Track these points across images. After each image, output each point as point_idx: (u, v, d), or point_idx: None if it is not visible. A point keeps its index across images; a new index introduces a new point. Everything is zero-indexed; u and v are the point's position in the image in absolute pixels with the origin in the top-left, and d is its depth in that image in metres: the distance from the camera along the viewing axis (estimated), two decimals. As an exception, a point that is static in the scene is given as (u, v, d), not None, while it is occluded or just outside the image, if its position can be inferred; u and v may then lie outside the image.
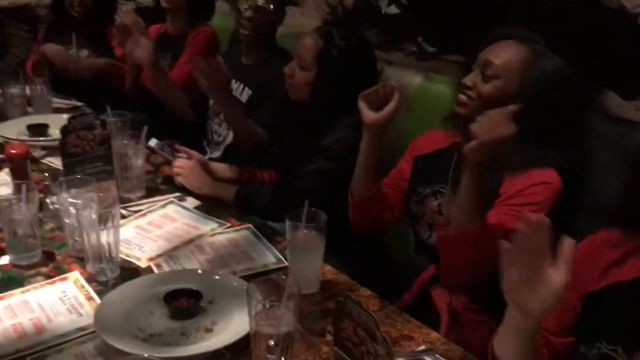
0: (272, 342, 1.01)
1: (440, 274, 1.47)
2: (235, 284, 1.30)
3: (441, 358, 1.14)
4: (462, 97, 1.49)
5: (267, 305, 1.07)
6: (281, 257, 1.47)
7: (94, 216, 1.33)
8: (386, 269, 1.64)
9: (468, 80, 1.48)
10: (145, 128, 1.74)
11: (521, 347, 1.00)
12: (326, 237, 1.32)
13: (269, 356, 1.00)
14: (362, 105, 1.54)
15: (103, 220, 1.33)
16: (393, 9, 2.29)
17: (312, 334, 1.21)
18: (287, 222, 1.33)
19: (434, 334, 1.22)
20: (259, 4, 2.16)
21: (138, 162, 1.72)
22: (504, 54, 1.45)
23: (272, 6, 2.17)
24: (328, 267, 1.43)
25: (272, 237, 1.56)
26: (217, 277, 1.33)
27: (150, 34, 2.72)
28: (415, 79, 1.89)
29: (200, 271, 1.36)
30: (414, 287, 1.55)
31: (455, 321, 1.44)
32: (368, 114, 1.54)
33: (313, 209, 1.32)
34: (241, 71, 2.27)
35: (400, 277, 1.63)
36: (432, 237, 1.57)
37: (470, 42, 1.57)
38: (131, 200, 1.71)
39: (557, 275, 0.92)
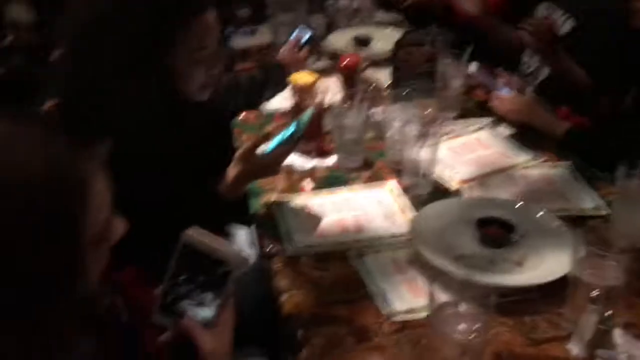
0: (596, 293, 0.95)
1: None
2: (553, 223, 1.24)
3: None
4: None
5: (592, 254, 1.01)
6: (602, 203, 1.35)
7: (415, 131, 1.38)
8: None
9: None
10: (469, 49, 1.71)
11: None
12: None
13: (591, 306, 0.94)
14: None
15: (423, 136, 1.38)
16: None
17: (636, 294, 1.11)
18: (620, 168, 1.20)
19: None
20: None
21: (457, 83, 1.71)
22: None
23: None
24: (657, 224, 1.27)
25: (594, 181, 1.44)
26: (539, 214, 1.28)
27: None
28: None
29: (519, 204, 1.32)
30: None
31: None
32: None
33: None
34: None
35: None
36: None
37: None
38: (445, 119, 1.73)
39: None
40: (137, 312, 0.88)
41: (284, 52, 1.95)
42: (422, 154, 1.39)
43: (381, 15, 2.55)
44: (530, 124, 1.64)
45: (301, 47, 1.94)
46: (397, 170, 1.49)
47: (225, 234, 1.43)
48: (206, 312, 0.84)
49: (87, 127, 1.14)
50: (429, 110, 1.57)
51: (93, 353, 0.76)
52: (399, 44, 1.59)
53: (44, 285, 0.66)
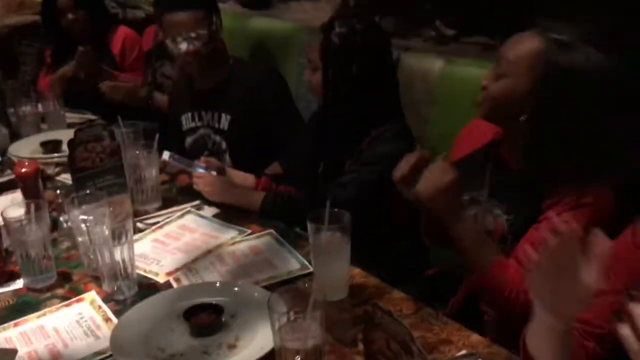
0: (299, 358, 0.93)
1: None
2: (257, 294, 1.22)
3: (485, 363, 1.04)
4: (480, 97, 1.37)
5: (292, 318, 0.99)
6: (306, 262, 1.38)
7: (106, 232, 1.27)
8: (424, 269, 1.53)
9: (484, 79, 1.35)
10: (157, 136, 1.67)
11: (554, 345, 0.95)
12: (358, 239, 1.23)
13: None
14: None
15: (116, 236, 1.27)
16: (410, -6, 2.19)
17: (343, 344, 1.12)
18: (309, 225, 1.24)
19: (475, 337, 1.13)
20: (193, 35, 1.98)
21: (152, 173, 1.65)
22: (518, 48, 1.31)
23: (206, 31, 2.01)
24: (356, 270, 1.34)
25: (296, 241, 1.48)
26: (236, 288, 1.25)
27: (147, 39, 2.70)
28: (436, 65, 1.79)
29: (218, 284, 1.28)
30: (460, 293, 1.43)
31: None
32: None
33: (335, 209, 1.23)
34: (205, 99, 2.12)
35: (442, 278, 1.52)
36: None
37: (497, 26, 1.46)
38: (147, 213, 1.65)
39: (587, 276, 0.89)
40: None
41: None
42: (119, 254, 1.28)
43: (71, 116, 2.42)
44: (228, 202, 1.66)
45: None
46: (98, 277, 1.35)
47: None
48: None
49: None
50: (122, 206, 1.47)
51: None
52: (72, 143, 1.47)
53: None
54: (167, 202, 1.71)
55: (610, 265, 1.00)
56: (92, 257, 1.35)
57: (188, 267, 1.40)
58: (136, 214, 1.59)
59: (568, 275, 0.90)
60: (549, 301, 0.93)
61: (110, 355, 1.12)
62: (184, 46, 1.98)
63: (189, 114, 2.17)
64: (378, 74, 1.67)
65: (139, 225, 1.57)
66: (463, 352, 1.07)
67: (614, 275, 1.00)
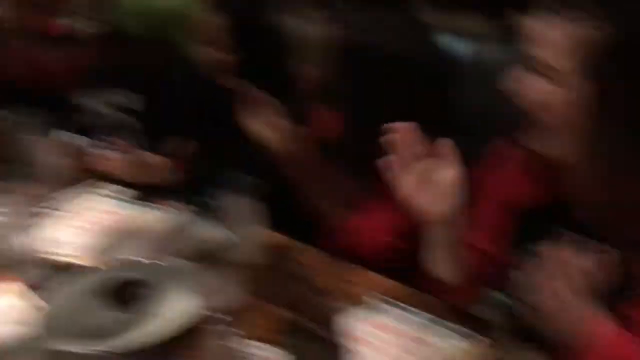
0: (225, 317, 1.01)
1: None
2: (177, 266, 1.28)
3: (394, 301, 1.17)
4: None
5: (213, 280, 1.07)
6: (225, 231, 1.44)
7: (15, 221, 1.27)
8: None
9: None
10: (43, 119, 1.65)
11: (445, 257, 1.11)
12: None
13: (224, 330, 1.00)
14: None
15: (26, 224, 1.28)
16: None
17: (264, 301, 1.22)
18: (220, 195, 1.31)
19: (381, 279, 1.26)
20: None
21: (50, 158, 1.64)
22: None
23: None
24: (269, 232, 1.43)
25: (213, 213, 1.53)
26: (157, 262, 1.31)
27: None
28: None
29: (138, 259, 1.33)
30: None
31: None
32: None
33: (239, 175, 1.31)
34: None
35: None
36: None
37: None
38: (54, 198, 1.63)
39: (446, 173, 1.02)
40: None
41: None
42: (29, 241, 1.29)
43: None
44: (143, 181, 1.68)
45: None
46: (14, 267, 1.35)
47: None
48: None
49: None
50: (26, 194, 1.45)
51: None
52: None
53: None
54: (77, 185, 1.69)
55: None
56: (5, 247, 1.35)
57: (105, 247, 1.43)
58: (37, 200, 1.57)
59: (428, 174, 1.03)
60: (423, 203, 1.05)
61: (41, 340, 1.15)
62: None
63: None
64: None
65: (46, 211, 1.56)
66: (369, 294, 1.20)
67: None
